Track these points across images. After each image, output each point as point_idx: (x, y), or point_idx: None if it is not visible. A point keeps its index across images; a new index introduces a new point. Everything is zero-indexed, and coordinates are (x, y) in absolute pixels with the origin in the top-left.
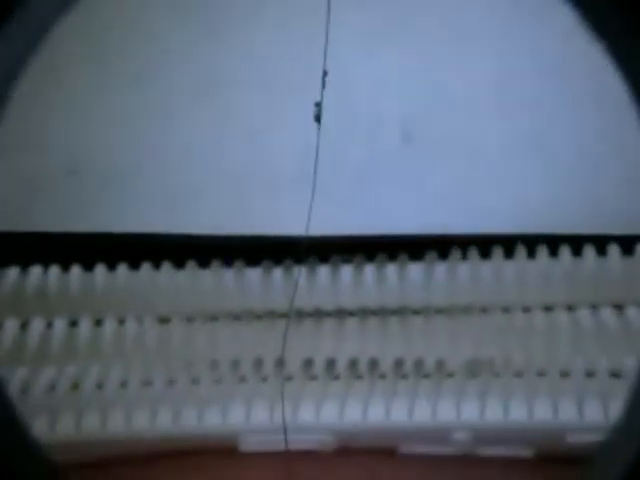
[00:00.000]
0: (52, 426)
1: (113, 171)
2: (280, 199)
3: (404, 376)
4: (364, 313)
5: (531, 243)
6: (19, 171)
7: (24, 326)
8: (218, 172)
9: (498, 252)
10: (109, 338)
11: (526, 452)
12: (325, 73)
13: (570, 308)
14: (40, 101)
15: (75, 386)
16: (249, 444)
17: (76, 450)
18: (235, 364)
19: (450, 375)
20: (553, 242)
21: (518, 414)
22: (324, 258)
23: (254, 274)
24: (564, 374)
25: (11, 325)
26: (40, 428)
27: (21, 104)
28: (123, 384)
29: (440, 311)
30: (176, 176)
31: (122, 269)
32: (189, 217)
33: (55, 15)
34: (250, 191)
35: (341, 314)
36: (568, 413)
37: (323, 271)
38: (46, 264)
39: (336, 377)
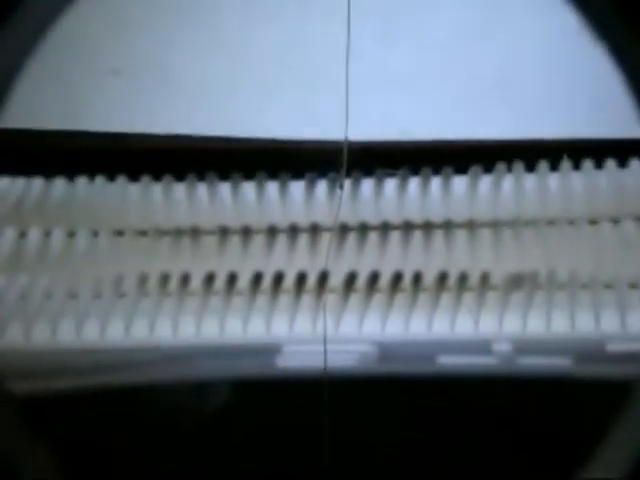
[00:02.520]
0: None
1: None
2: (316, 103)
3: (447, 289)
4: (408, 227)
5: (577, 153)
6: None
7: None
8: (252, 73)
9: (543, 164)
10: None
11: (566, 361)
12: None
13: (615, 221)
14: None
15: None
16: (289, 357)
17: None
18: (278, 277)
19: (493, 288)
20: (599, 153)
21: (560, 325)
22: (366, 166)
23: (297, 187)
24: (607, 286)
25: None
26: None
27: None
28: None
29: (484, 224)
30: (212, 76)
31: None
32: (227, 119)
33: (54, 14)
34: (284, 94)
35: (385, 228)
36: (610, 324)
37: (367, 184)
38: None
39: (379, 290)
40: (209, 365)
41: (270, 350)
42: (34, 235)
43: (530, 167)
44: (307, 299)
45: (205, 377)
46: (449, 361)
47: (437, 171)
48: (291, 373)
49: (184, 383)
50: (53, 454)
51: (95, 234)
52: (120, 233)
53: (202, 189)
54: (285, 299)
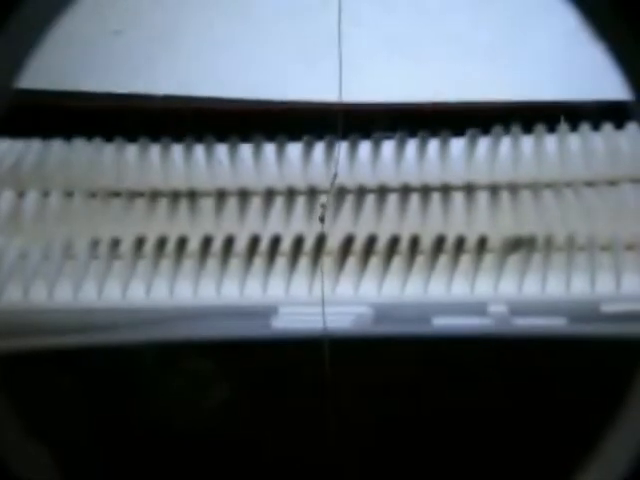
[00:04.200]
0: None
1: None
2: (313, 65)
3: (444, 252)
4: (405, 190)
5: (575, 115)
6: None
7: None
8: (250, 35)
9: (540, 126)
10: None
11: (561, 321)
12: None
13: (612, 183)
14: None
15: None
16: (286, 319)
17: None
18: (275, 240)
19: (490, 251)
20: (595, 116)
21: (555, 287)
22: (363, 129)
23: (294, 149)
24: (603, 248)
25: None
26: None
27: None
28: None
29: (481, 187)
30: (211, 38)
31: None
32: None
33: (56, 12)
34: (282, 55)
35: (382, 190)
36: (604, 285)
37: (364, 146)
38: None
39: (376, 253)
40: (206, 326)
41: (267, 312)
42: (32, 197)
43: (527, 130)
44: (304, 262)
45: (201, 338)
46: (445, 322)
47: (435, 134)
48: (288, 334)
49: (181, 344)
50: (48, 411)
51: (92, 195)
52: (116, 194)
53: (199, 151)
54: (282, 262)
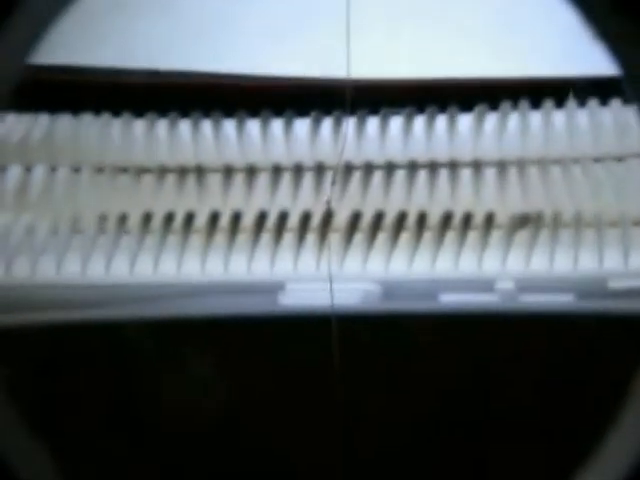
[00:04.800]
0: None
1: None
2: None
3: (451, 228)
4: (412, 166)
5: (583, 91)
6: None
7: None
8: (255, 10)
9: (548, 101)
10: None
11: (568, 298)
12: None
13: (619, 159)
14: None
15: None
16: (293, 295)
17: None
18: (283, 216)
19: (497, 227)
20: (603, 91)
21: (563, 263)
22: (370, 104)
23: (302, 125)
24: (611, 224)
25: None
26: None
27: None
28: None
29: (489, 163)
30: (215, 12)
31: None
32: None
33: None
34: (287, 31)
35: (390, 167)
36: (612, 261)
37: (371, 122)
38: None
39: (383, 229)
40: (213, 303)
41: (274, 288)
42: (40, 171)
43: (535, 105)
44: (311, 238)
45: (208, 315)
46: (452, 299)
47: (443, 109)
48: (295, 311)
49: (188, 320)
50: (55, 382)
51: (99, 170)
52: (124, 170)
53: (206, 126)
54: (289, 238)
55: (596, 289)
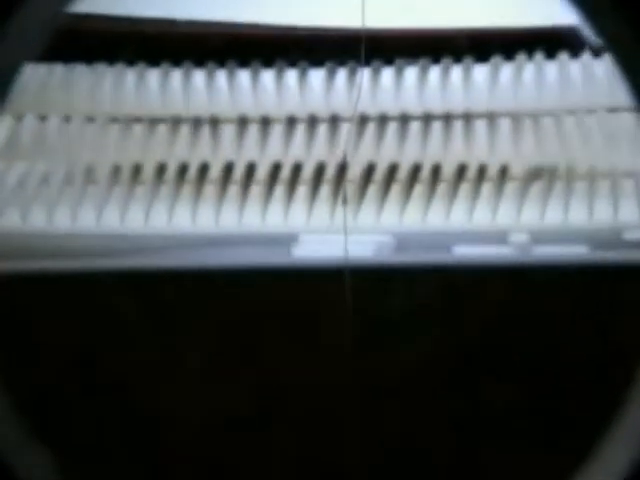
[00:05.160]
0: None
1: None
2: None
3: (465, 180)
4: (427, 117)
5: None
6: None
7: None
8: None
9: (563, 52)
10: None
11: (582, 249)
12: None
13: (632, 110)
14: None
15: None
16: (307, 246)
17: None
18: (297, 167)
19: (512, 179)
20: None
21: (577, 215)
22: (385, 55)
23: (317, 75)
24: (626, 175)
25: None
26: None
27: None
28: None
29: (504, 114)
30: None
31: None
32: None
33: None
34: None
35: (404, 118)
36: (627, 212)
37: (386, 73)
38: None
39: (397, 181)
40: (227, 254)
41: (288, 240)
42: (54, 121)
43: (551, 56)
44: (325, 190)
45: (221, 266)
46: (465, 251)
47: (458, 60)
48: (308, 263)
49: (202, 271)
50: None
51: (114, 120)
52: (138, 120)
53: (221, 77)
54: (303, 190)
55: (611, 240)
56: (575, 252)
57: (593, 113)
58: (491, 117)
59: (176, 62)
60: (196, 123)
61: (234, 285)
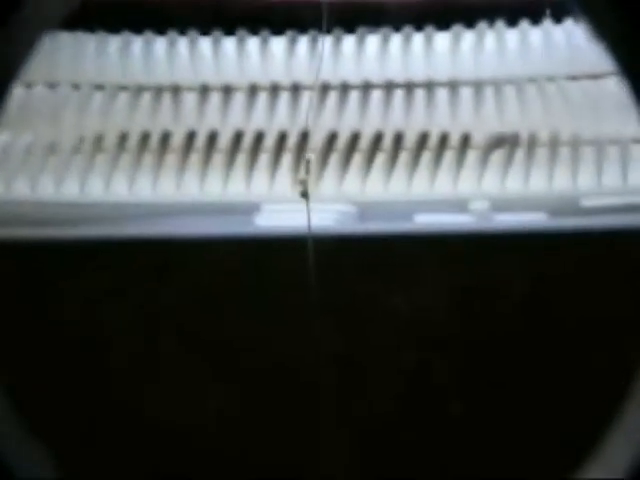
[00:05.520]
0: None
1: None
2: None
3: (427, 149)
4: (389, 86)
5: (559, 9)
6: None
7: None
8: None
9: (524, 20)
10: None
11: (541, 217)
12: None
13: (595, 77)
14: None
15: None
16: (269, 216)
17: None
18: (259, 136)
19: (474, 148)
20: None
21: (537, 183)
22: (346, 23)
23: (278, 43)
24: (587, 143)
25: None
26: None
27: None
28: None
29: (466, 83)
30: None
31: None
32: None
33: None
34: None
35: (366, 87)
36: (586, 180)
37: (348, 41)
38: None
39: (359, 150)
40: (188, 223)
41: (250, 209)
42: (40, 90)
43: (512, 24)
44: (287, 159)
45: (183, 235)
46: (427, 219)
47: (419, 29)
48: (271, 232)
49: (163, 240)
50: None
51: (75, 88)
52: (99, 88)
53: (182, 45)
54: (265, 158)
55: (569, 208)
56: (534, 220)
57: (553, 80)
58: (453, 85)
59: (137, 30)
60: (157, 91)
61: (196, 254)
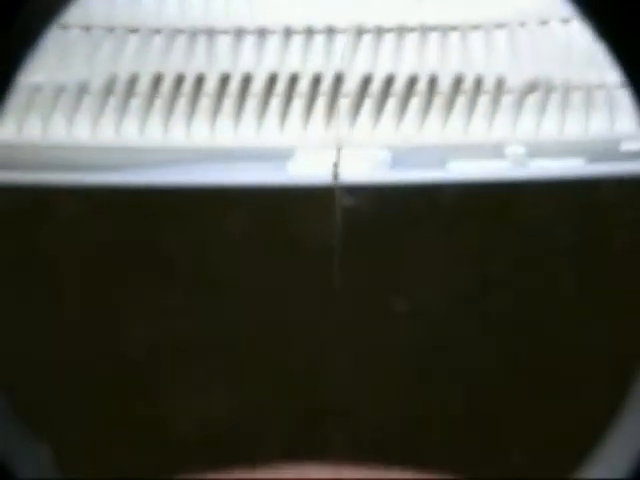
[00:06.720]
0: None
1: None
2: None
3: (463, 93)
4: (424, 29)
5: None
6: None
7: None
8: None
9: None
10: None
11: (579, 162)
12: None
13: None
14: None
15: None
16: (303, 160)
17: None
18: (293, 79)
19: (508, 92)
20: None
21: (573, 127)
22: None
23: None
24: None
25: None
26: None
27: None
28: None
29: (500, 26)
30: None
31: None
32: None
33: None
34: None
35: (401, 30)
36: (623, 124)
37: None
38: None
39: (393, 94)
40: (223, 168)
41: (283, 155)
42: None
43: None
44: (321, 103)
45: (216, 183)
46: (461, 166)
47: None
48: (302, 180)
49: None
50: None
51: (110, 30)
52: (134, 31)
53: None
54: (299, 102)
55: (608, 152)
56: (572, 165)
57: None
58: (486, 27)
59: None
60: (192, 34)
61: (227, 201)
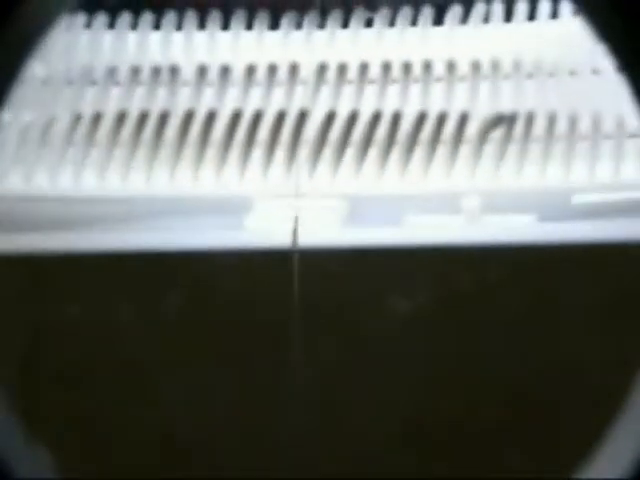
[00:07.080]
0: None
1: None
2: None
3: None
4: (386, 67)
5: None
6: None
7: None
8: None
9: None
10: None
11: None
12: None
13: (595, 72)
14: None
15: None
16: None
17: None
18: (256, 119)
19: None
20: None
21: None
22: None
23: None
24: (581, 138)
25: None
26: None
27: None
28: None
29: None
30: None
31: None
32: None
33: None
34: None
35: (364, 68)
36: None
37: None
38: None
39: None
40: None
41: (242, 206)
42: None
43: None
44: (280, 151)
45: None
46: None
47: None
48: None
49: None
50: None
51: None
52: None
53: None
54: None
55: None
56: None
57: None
58: (450, 67)
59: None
60: (155, 72)
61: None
